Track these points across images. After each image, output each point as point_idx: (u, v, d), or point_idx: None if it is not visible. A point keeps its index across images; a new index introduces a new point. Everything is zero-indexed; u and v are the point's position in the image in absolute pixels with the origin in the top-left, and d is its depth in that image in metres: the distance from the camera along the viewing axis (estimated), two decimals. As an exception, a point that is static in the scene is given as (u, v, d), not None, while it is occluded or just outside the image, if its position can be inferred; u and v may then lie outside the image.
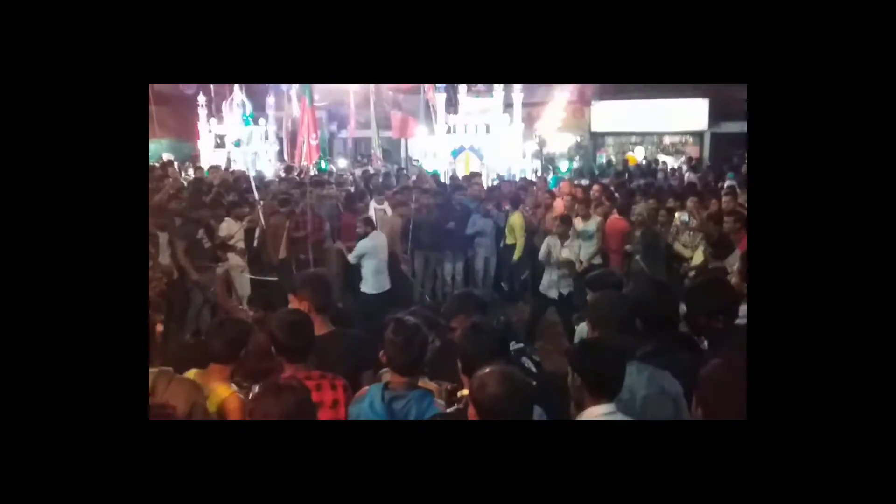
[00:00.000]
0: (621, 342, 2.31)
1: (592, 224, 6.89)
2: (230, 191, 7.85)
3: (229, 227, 6.52)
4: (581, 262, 6.43)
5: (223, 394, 2.46)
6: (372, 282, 6.11)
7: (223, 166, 11.73)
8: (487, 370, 1.87)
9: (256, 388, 2.17)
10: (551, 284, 6.07)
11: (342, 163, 14.30)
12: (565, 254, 6.06)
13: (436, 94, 12.56)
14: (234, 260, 6.45)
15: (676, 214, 6.90)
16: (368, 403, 2.18)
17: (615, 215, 7.14)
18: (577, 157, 14.77)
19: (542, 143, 13.07)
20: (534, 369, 2.60)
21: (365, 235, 6.13)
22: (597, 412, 2.01)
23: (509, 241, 7.69)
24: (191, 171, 11.24)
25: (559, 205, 7.72)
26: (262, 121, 13.98)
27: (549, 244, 6.14)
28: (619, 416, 2.01)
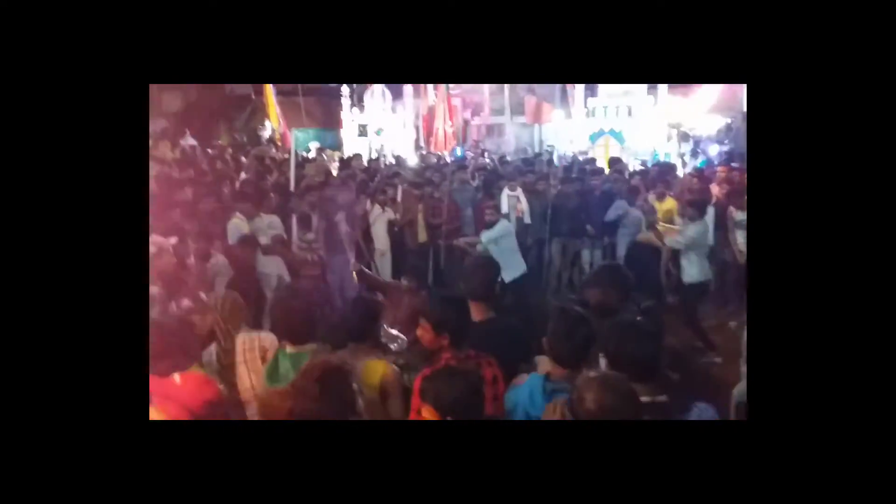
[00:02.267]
0: None
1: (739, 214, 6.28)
2: (374, 177, 8.13)
3: (375, 213, 6.75)
4: (741, 252, 5.89)
5: (381, 368, 2.49)
6: (507, 268, 5.99)
7: (365, 154, 12.21)
8: (591, 376, 1.79)
9: (425, 369, 2.19)
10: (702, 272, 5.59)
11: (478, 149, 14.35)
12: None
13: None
14: (381, 244, 6.67)
15: None
16: (528, 393, 2.11)
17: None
18: (726, 141, 13.64)
19: (688, 126, 12.21)
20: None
21: (494, 223, 5.98)
22: None
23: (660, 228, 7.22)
24: (336, 158, 11.82)
25: (715, 190, 7.13)
26: (399, 108, 14.37)
27: (697, 231, 5.62)
28: None
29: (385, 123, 14.15)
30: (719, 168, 8.03)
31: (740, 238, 6.17)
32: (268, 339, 2.86)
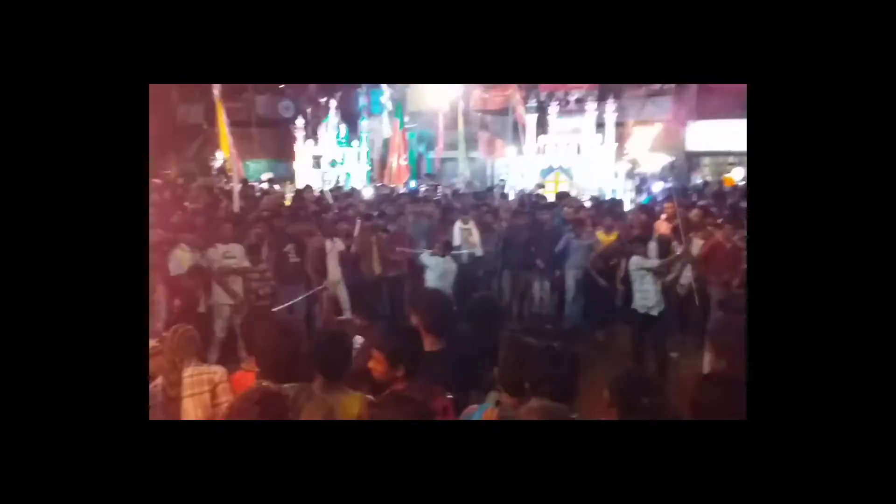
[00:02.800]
0: None
1: (694, 248, 6.57)
2: (328, 209, 8.14)
3: (330, 246, 6.74)
4: (682, 286, 6.14)
5: (356, 403, 2.45)
6: None
7: (319, 186, 12.20)
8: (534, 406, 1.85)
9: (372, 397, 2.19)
10: (647, 303, 5.80)
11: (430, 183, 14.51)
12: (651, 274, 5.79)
13: (525, 115, 12.55)
14: (333, 276, 6.64)
15: None
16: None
17: (717, 238, 6.77)
18: (670, 178, 14.23)
19: (634, 164, 12.71)
20: None
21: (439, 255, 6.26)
22: None
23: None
24: (289, 189, 11.76)
25: (661, 226, 7.43)
26: (354, 143, 14.47)
27: (639, 263, 5.87)
28: None
29: (340, 156, 14.21)
30: (666, 204, 8.38)
31: (685, 271, 6.42)
32: (218, 372, 2.81)
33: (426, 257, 6.32)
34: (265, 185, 12.31)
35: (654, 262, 5.83)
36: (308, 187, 11.15)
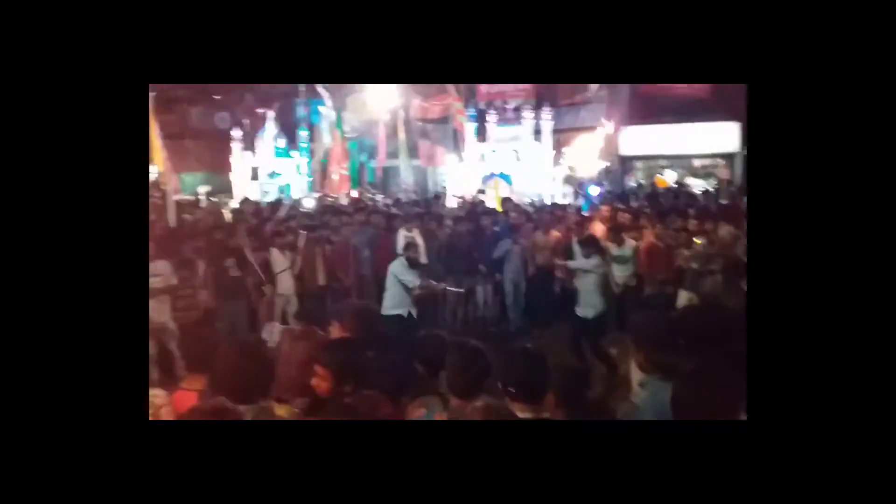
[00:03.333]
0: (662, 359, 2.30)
1: (628, 249, 6.83)
2: (269, 222, 8.02)
3: (275, 258, 6.64)
4: (618, 285, 6.36)
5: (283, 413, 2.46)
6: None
7: (258, 198, 11.98)
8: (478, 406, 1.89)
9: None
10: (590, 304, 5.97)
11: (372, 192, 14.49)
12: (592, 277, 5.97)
13: (464, 123, 12.72)
14: (284, 289, 6.55)
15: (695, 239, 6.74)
16: None
17: (650, 239, 7.07)
18: (606, 182, 14.69)
19: (571, 169, 13.07)
20: None
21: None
22: None
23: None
24: (230, 203, 11.50)
25: (599, 229, 7.69)
26: (294, 153, 14.28)
27: (591, 265, 6.02)
28: None
29: (279, 167, 13.99)
30: (602, 207, 8.69)
31: (617, 272, 6.67)
32: (159, 395, 2.75)
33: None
34: (202, 199, 11.99)
35: (594, 262, 5.98)
36: (246, 199, 10.94)
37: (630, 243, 6.93)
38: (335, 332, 2.90)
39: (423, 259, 7.56)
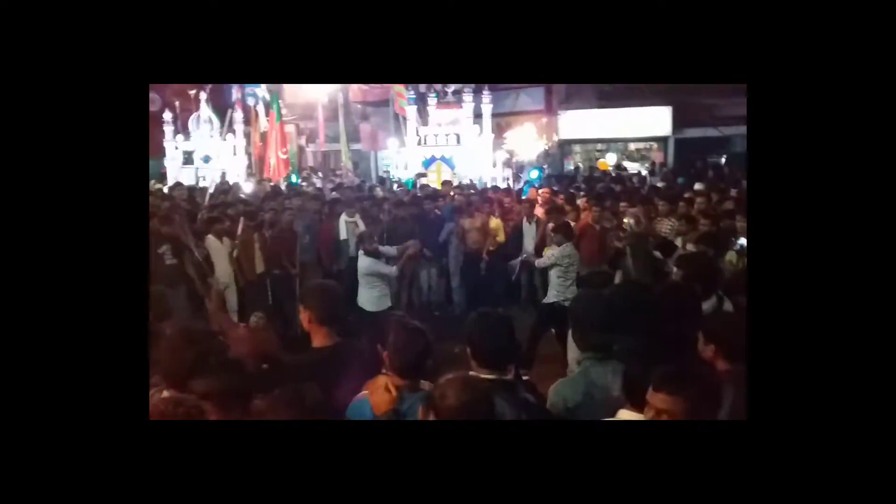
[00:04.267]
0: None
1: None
2: (204, 208, 7.78)
3: (211, 244, 6.46)
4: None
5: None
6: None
7: (192, 183, 11.59)
8: (450, 377, 1.89)
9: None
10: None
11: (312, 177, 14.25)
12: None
13: (405, 107, 12.66)
14: (221, 275, 6.40)
15: (625, 220, 6.96)
16: (367, 403, 2.19)
17: (586, 221, 7.28)
18: (546, 165, 14.97)
19: (511, 153, 13.24)
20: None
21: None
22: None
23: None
24: (163, 189, 11.08)
25: (540, 212, 7.85)
26: (229, 136, 13.86)
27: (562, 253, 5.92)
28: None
29: (213, 151, 13.55)
30: (541, 191, 8.86)
31: (548, 252, 6.80)
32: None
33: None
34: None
35: (568, 251, 5.84)
36: (179, 184, 10.56)
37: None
38: (302, 315, 2.81)
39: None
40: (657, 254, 5.49)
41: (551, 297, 5.81)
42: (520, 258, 7.50)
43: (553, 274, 5.85)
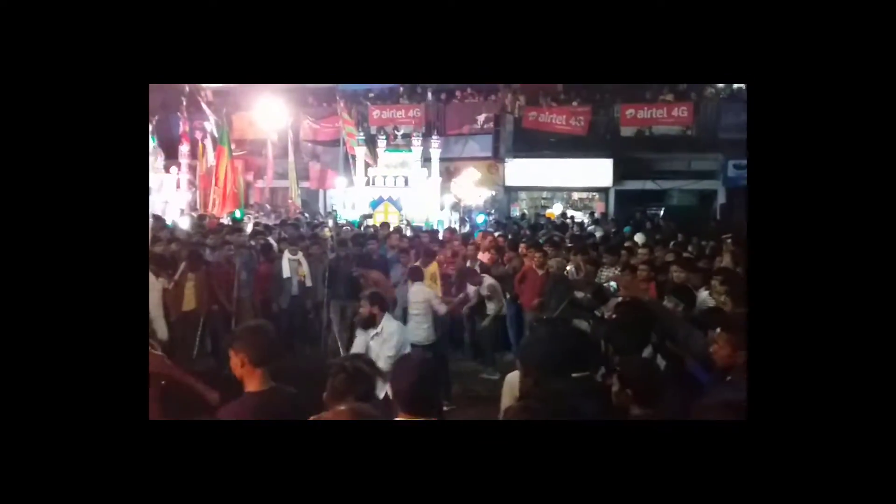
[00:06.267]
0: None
1: (485, 289, 7.35)
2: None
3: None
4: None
5: None
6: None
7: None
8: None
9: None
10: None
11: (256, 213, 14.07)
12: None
13: (355, 147, 12.77)
14: (151, 308, 6.19)
15: (568, 267, 7.21)
16: None
17: (530, 265, 7.44)
18: (492, 211, 15.27)
19: (458, 197, 13.47)
20: None
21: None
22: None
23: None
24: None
25: (483, 256, 7.98)
26: (173, 169, 13.60)
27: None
28: None
29: (157, 183, 13.25)
30: (488, 235, 9.05)
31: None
32: None
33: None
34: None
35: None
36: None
37: (489, 284, 7.37)
38: (233, 360, 2.61)
39: (308, 282, 7.48)
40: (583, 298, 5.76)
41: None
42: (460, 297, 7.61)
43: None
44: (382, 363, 3.99)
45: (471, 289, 7.05)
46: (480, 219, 12.26)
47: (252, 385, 2.55)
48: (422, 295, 6.01)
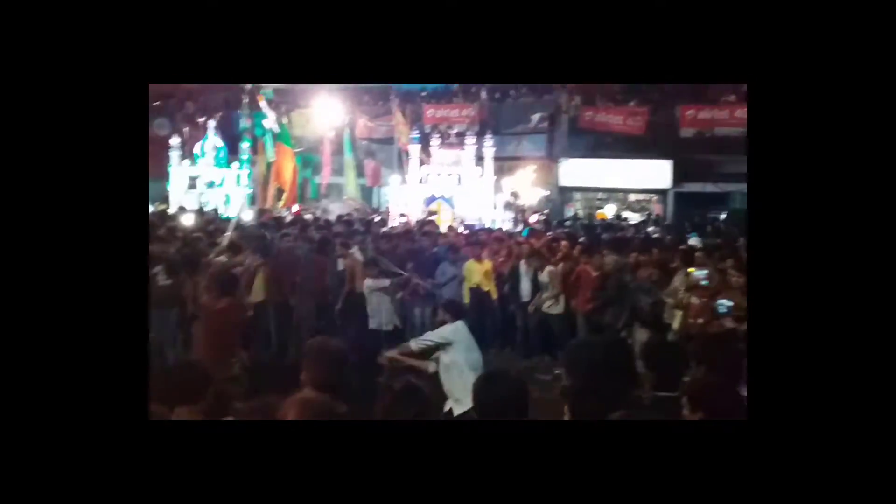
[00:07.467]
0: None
1: (545, 276, 7.28)
2: (205, 232, 7.85)
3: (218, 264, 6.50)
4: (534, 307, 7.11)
5: None
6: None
7: (196, 208, 11.69)
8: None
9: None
10: None
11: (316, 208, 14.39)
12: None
13: (409, 145, 12.89)
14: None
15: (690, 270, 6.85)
16: None
17: (583, 266, 7.34)
18: (546, 211, 15.13)
19: (514, 196, 13.40)
20: None
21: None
22: None
23: (479, 284, 7.80)
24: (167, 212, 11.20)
25: (535, 255, 7.96)
26: (234, 164, 14.05)
27: None
28: None
29: (218, 177, 13.71)
30: (541, 235, 9.01)
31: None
32: None
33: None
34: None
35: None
36: (182, 208, 10.67)
37: (548, 269, 7.33)
38: (303, 378, 2.58)
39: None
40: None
41: None
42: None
43: None
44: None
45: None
46: (534, 219, 12.17)
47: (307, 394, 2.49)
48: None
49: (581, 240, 8.84)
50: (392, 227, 10.22)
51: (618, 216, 15.89)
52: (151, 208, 11.44)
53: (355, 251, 7.67)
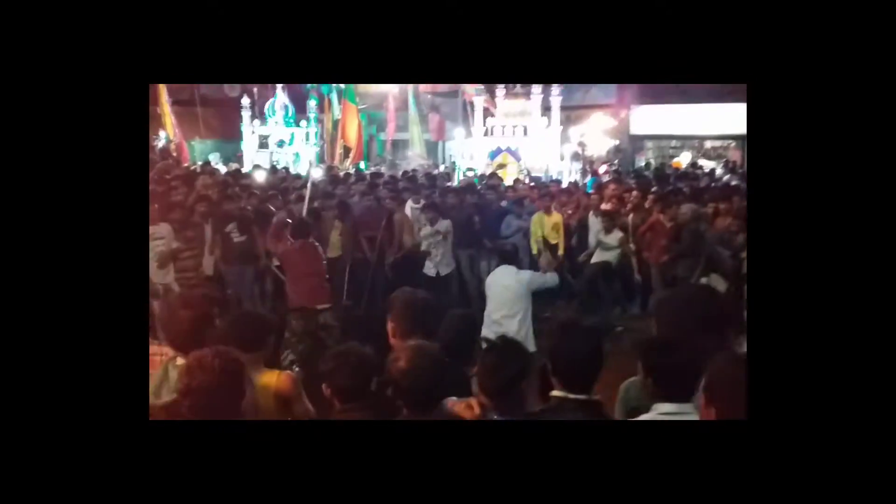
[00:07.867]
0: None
1: (613, 239, 7.08)
2: (283, 190, 8.10)
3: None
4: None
5: (273, 377, 2.53)
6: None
7: (267, 166, 12.05)
8: (407, 344, 2.00)
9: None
10: None
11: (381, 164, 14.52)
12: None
13: (474, 97, 12.69)
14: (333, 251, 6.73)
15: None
16: None
17: (656, 215, 7.12)
18: (616, 161, 14.67)
19: (582, 146, 13.05)
20: None
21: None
22: (664, 409, 1.98)
23: (551, 238, 7.71)
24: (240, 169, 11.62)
25: (606, 206, 7.77)
26: (303, 123, 14.30)
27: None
28: (689, 416, 1.95)
29: (287, 136, 14.01)
30: (612, 186, 8.74)
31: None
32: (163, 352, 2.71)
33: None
34: (218, 167, 12.04)
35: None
36: (257, 167, 11.01)
37: (616, 234, 7.09)
38: (389, 327, 2.62)
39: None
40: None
41: None
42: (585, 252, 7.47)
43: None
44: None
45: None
46: (603, 169, 11.84)
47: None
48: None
49: (654, 189, 8.54)
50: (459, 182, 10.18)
51: (693, 164, 15.21)
52: (224, 168, 11.90)
53: (408, 204, 7.72)
